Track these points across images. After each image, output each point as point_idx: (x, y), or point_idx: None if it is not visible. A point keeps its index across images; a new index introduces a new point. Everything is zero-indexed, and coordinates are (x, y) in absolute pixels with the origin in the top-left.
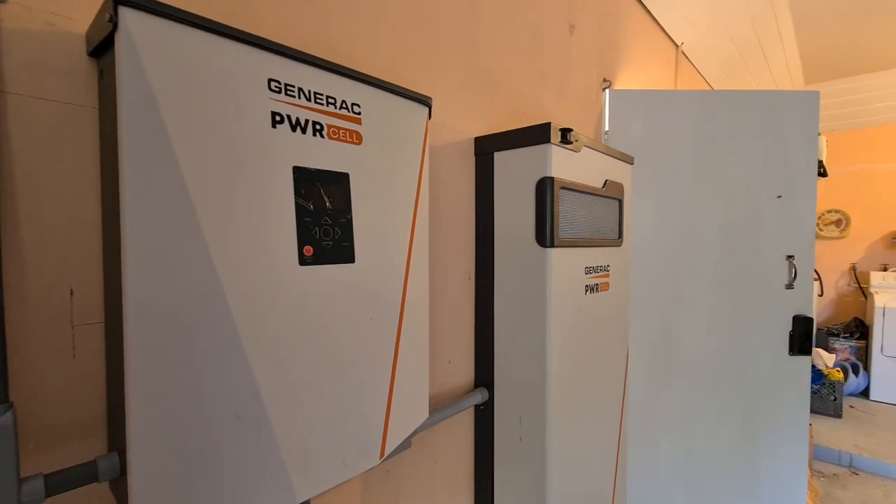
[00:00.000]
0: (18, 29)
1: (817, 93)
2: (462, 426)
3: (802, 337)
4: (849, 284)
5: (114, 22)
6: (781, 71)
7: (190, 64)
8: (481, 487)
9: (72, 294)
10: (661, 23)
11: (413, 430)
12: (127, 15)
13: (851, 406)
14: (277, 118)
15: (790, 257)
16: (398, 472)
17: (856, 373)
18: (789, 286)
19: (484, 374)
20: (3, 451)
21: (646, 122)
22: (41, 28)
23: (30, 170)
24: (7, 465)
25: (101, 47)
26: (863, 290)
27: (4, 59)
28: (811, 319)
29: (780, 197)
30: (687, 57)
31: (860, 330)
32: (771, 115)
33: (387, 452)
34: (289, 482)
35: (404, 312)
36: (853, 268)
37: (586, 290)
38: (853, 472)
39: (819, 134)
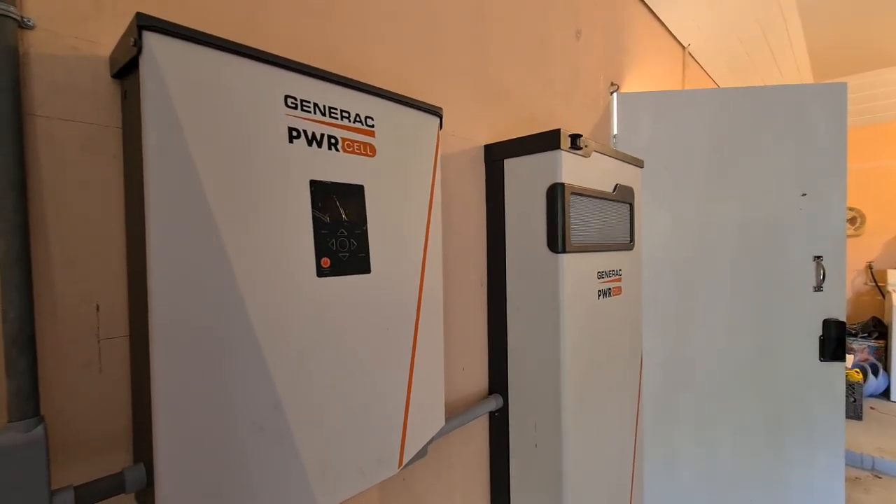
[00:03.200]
0: (46, 54)
1: (845, 84)
2: (477, 433)
3: (834, 342)
4: (865, 283)
5: (138, 46)
6: (790, 69)
7: (210, 84)
8: (497, 494)
9: (98, 309)
10: (667, 25)
11: (430, 438)
12: (151, 39)
13: (872, 408)
14: (294, 133)
15: (818, 258)
16: (414, 481)
17: (875, 373)
18: (818, 288)
19: (498, 380)
20: (35, 464)
21: (655, 124)
22: (67, 52)
23: (57, 189)
24: (39, 477)
25: (125, 69)
26: (880, 289)
27: (33, 82)
28: (843, 323)
29: (804, 195)
30: (694, 58)
31: (878, 329)
32: (794, 110)
33: (405, 461)
34: (310, 492)
35: (420, 321)
36: (869, 266)
37: (599, 295)
38: (876, 476)
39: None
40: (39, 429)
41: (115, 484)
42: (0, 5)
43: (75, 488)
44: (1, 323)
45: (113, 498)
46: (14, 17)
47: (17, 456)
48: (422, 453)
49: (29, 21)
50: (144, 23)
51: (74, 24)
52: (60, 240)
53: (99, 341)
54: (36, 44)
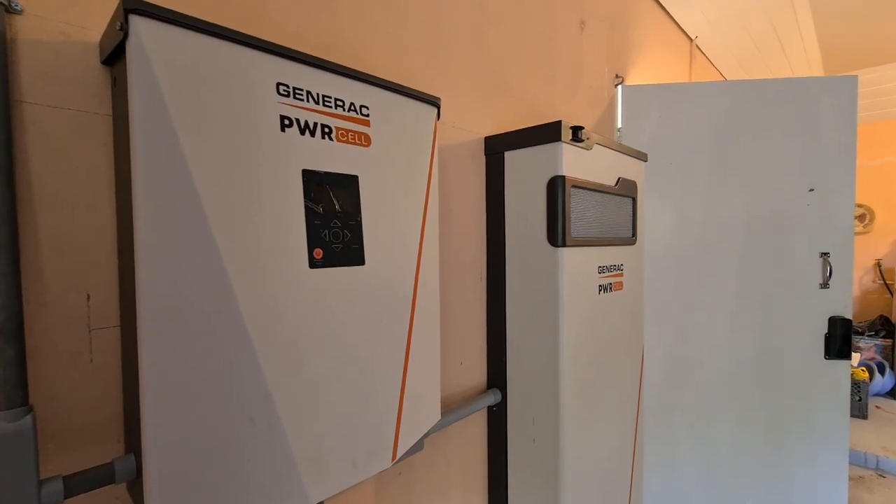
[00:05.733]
0: (34, 39)
1: (855, 77)
2: (475, 427)
3: (840, 340)
4: (874, 281)
5: (125, 30)
6: (800, 63)
7: (199, 69)
8: (494, 489)
9: (88, 299)
10: (674, 16)
11: (425, 431)
12: (137, 23)
13: (877, 406)
14: (286, 122)
15: (825, 254)
16: (411, 474)
17: (882, 372)
18: (824, 285)
19: (496, 375)
20: (23, 453)
21: (661, 117)
22: (56, 38)
23: (46, 177)
24: (28, 466)
25: (114, 55)
26: (888, 287)
27: (21, 69)
28: (849, 321)
29: (812, 190)
30: (701, 51)
31: (886, 328)
32: (802, 104)
33: (399, 454)
34: (301, 485)
35: (415, 314)
36: (878, 264)
37: (600, 290)
38: (880, 475)
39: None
40: (28, 418)
41: (104, 474)
42: None
43: (64, 478)
44: None
45: (105, 488)
46: (1, 0)
47: (4, 445)
48: (418, 447)
49: (17, 5)
50: (131, 6)
51: (64, 8)
52: (49, 228)
53: (90, 331)
54: (24, 29)
